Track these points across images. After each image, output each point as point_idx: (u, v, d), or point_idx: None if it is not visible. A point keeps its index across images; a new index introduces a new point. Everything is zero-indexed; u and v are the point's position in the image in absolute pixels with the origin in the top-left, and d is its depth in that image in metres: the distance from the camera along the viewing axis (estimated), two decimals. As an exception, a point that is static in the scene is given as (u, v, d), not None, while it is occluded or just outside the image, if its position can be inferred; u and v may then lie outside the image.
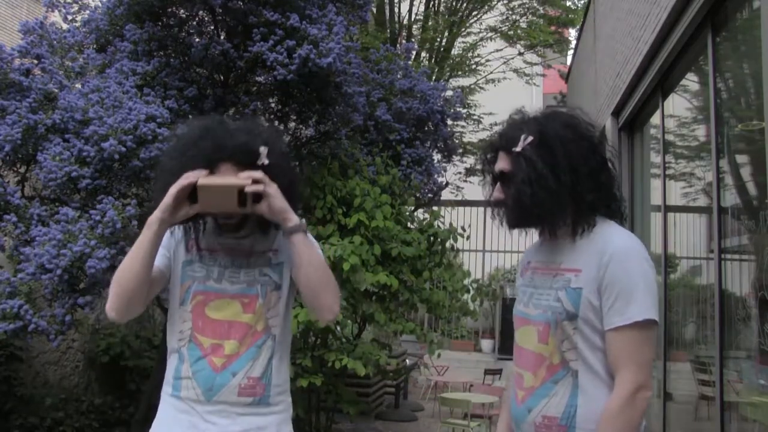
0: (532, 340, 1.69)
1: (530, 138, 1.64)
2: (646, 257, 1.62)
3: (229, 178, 1.75)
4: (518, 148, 1.65)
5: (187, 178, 1.72)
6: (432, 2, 12.11)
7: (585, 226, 1.66)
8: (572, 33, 13.78)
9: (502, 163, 1.71)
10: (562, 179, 1.61)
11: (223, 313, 1.86)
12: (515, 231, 1.77)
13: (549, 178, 1.61)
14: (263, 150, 1.77)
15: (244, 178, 1.73)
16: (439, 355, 5.54)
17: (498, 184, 1.73)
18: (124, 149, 3.86)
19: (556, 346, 1.64)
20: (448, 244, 5.67)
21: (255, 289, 1.87)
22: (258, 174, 1.74)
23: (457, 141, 8.06)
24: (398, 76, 6.56)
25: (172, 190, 1.73)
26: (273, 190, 1.75)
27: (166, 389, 1.91)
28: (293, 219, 1.79)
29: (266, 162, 1.77)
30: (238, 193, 1.71)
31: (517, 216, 1.68)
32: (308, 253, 1.81)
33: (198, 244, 1.92)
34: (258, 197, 1.74)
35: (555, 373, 1.64)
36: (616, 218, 1.70)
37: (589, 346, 1.61)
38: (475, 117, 12.45)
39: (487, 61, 12.53)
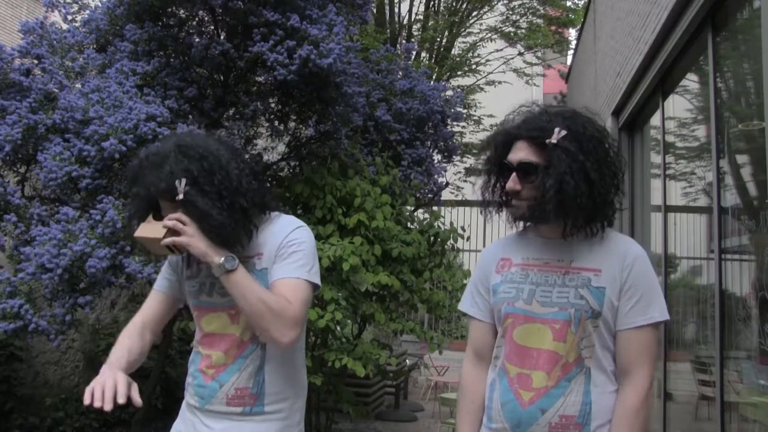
0: (544, 339, 1.66)
1: (564, 132, 1.64)
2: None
3: (153, 227, 1.77)
4: (554, 140, 1.63)
5: None
6: (432, 2, 12.10)
7: (599, 226, 1.68)
8: (572, 33, 13.78)
9: (524, 153, 1.67)
10: (594, 174, 1.62)
11: (213, 326, 1.89)
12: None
13: (590, 171, 1.62)
14: (178, 184, 1.72)
15: (163, 226, 1.74)
16: (440, 353, 5.55)
17: (513, 175, 1.68)
18: (124, 149, 3.86)
19: (575, 343, 1.64)
20: (448, 245, 5.67)
21: None
22: (169, 222, 1.73)
23: (457, 141, 8.05)
24: (398, 77, 6.55)
25: None
26: (186, 236, 1.72)
27: (185, 391, 2.00)
28: (213, 261, 1.73)
29: (181, 197, 1.72)
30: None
31: (554, 209, 1.62)
32: (235, 295, 1.75)
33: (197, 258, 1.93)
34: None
35: (569, 371, 1.64)
36: (609, 224, 1.73)
37: (601, 345, 1.65)
38: (475, 117, 12.45)
39: (487, 61, 12.53)
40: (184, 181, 1.72)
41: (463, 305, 1.89)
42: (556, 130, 1.63)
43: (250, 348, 1.85)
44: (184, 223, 1.72)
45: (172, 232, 1.74)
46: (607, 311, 1.63)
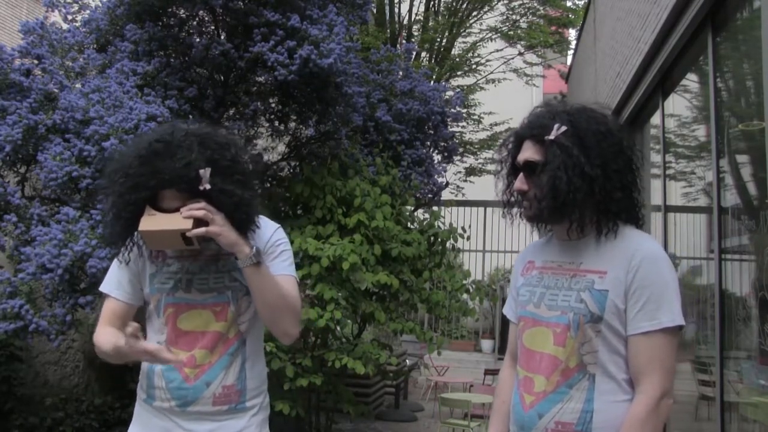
0: (547, 343, 1.63)
1: (564, 128, 1.60)
2: (672, 264, 1.60)
3: (170, 218, 1.66)
4: (551, 137, 1.60)
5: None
6: (432, 2, 12.10)
7: (610, 226, 1.62)
8: (572, 33, 13.78)
9: (529, 153, 1.65)
10: (594, 171, 1.57)
11: (194, 324, 1.83)
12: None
13: (585, 166, 1.56)
14: (204, 173, 1.64)
15: (185, 216, 1.64)
16: (439, 354, 5.52)
17: (521, 175, 1.66)
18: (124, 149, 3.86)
19: (575, 348, 1.58)
20: (448, 245, 5.67)
21: (226, 296, 1.83)
22: (199, 212, 1.64)
23: (457, 141, 8.05)
24: (398, 77, 6.56)
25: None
26: (218, 226, 1.66)
27: (141, 394, 1.90)
28: (243, 251, 1.69)
29: (208, 187, 1.65)
30: (181, 234, 1.66)
31: (548, 206, 1.59)
32: (259, 287, 1.73)
33: (164, 252, 1.87)
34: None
35: (570, 377, 1.58)
36: (634, 223, 1.67)
37: (608, 350, 1.57)
38: (475, 117, 12.45)
39: (487, 61, 12.53)
40: (209, 170, 1.65)
41: (504, 308, 1.91)
42: (555, 126, 1.60)
43: (235, 345, 1.84)
44: (211, 213, 1.66)
45: (197, 222, 1.65)
46: (611, 315, 1.55)
